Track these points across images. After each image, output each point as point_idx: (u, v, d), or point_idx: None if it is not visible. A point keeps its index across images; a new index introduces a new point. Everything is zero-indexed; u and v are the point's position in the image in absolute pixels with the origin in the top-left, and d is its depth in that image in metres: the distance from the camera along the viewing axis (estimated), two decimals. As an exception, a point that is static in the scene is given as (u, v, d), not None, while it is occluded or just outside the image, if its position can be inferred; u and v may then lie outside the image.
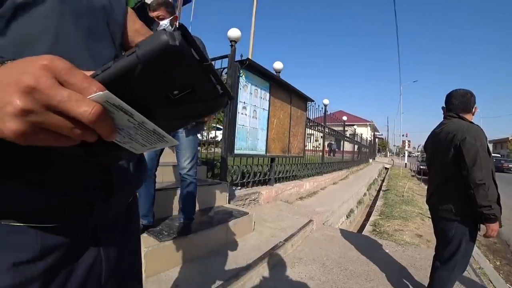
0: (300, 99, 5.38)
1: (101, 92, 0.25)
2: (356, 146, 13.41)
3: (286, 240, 2.70)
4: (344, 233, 3.46)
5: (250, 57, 7.44)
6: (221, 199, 3.08)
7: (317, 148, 7.22)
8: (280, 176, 4.85)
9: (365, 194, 8.57)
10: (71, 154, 0.33)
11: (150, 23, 0.65)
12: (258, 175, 4.18)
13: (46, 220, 0.43)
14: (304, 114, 5.64)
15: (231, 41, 3.53)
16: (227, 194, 3.19)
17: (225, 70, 3.49)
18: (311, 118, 6.24)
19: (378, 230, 4.66)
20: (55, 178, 0.42)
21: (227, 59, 3.50)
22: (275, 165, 4.57)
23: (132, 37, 0.60)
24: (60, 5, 0.43)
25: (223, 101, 0.36)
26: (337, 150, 12.48)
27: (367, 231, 4.78)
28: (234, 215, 2.71)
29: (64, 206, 0.44)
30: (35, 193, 0.40)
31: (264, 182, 4.40)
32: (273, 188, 4.32)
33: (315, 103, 6.17)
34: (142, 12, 0.65)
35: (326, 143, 8.24)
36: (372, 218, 5.61)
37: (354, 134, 13.26)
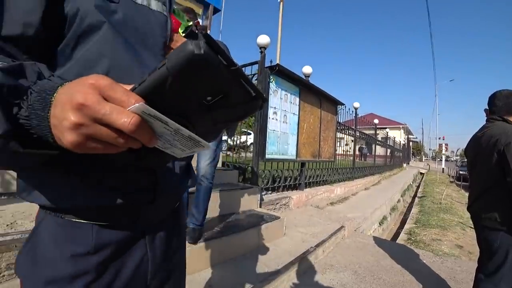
0: (330, 103, 5.32)
1: (137, 104, 0.28)
2: (388, 150, 12.89)
3: (318, 245, 2.69)
4: (377, 241, 3.36)
5: (278, 61, 7.49)
6: (252, 203, 3.14)
7: (348, 152, 7.06)
8: (310, 180, 4.81)
9: (399, 201, 8.21)
10: (120, 159, 0.38)
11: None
12: (289, 179, 4.19)
13: (99, 218, 0.48)
14: (334, 118, 5.56)
15: (260, 47, 3.59)
16: (258, 198, 3.24)
17: (255, 76, 3.56)
18: (341, 121, 6.14)
19: (413, 239, 4.46)
20: (105, 180, 0.47)
21: (257, 65, 3.56)
22: (305, 170, 4.54)
23: None
24: (112, 32, 0.49)
25: (257, 104, 0.36)
26: (368, 154, 12.10)
27: (401, 239, 4.59)
28: (266, 219, 2.75)
29: (114, 206, 0.49)
30: (89, 193, 0.46)
31: (295, 187, 4.39)
32: (304, 192, 4.30)
33: (345, 107, 6.07)
34: (193, 36, 0.71)
35: (357, 147, 8.03)
36: (406, 226, 5.38)
37: (386, 138, 12.77)
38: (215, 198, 2.69)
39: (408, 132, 35.57)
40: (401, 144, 18.83)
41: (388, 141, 12.90)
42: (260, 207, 3.24)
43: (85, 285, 0.46)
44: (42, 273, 0.45)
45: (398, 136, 23.05)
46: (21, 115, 0.31)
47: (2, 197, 2.61)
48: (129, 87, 0.31)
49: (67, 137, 0.29)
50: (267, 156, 3.54)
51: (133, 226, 0.53)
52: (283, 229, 2.88)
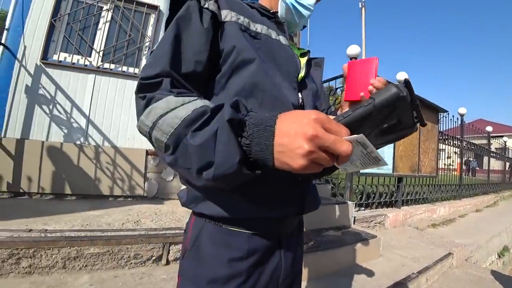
0: (430, 111, 4.75)
1: (357, 135, 0.34)
2: (507, 164, 10.61)
3: (420, 272, 2.43)
4: (498, 276, 2.80)
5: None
6: (345, 219, 3.05)
7: (450, 166, 6.11)
8: (408, 198, 4.38)
9: (525, 228, 6.66)
10: (311, 174, 0.45)
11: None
12: (384, 196, 3.90)
13: (252, 228, 0.56)
14: (435, 127, 4.94)
15: (351, 58, 3.51)
16: (352, 215, 3.13)
17: (346, 87, 3.50)
18: (443, 131, 5.41)
19: (552, 280, 3.54)
20: (267, 197, 0.55)
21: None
22: (402, 186, 4.16)
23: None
24: (261, 65, 0.57)
25: (415, 128, 0.43)
26: (478, 168, 10.14)
27: (532, 278, 3.71)
28: (360, 237, 2.64)
29: (267, 218, 0.56)
30: (251, 208, 0.54)
31: (390, 204, 4.06)
32: (401, 211, 3.93)
33: (448, 114, 5.33)
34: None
35: (463, 160, 6.88)
36: (539, 262, 4.32)
37: (503, 148, 10.55)
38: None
39: (535, 140, 28.47)
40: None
41: (506, 152, 10.64)
42: (354, 223, 3.12)
43: (236, 286, 0.53)
44: (205, 273, 0.54)
45: (520, 145, 18.74)
46: (243, 143, 0.37)
47: (129, 199, 3.23)
48: (331, 117, 0.37)
49: (299, 162, 0.34)
50: (361, 171, 3.38)
51: (275, 235, 0.60)
52: (380, 249, 2.70)
